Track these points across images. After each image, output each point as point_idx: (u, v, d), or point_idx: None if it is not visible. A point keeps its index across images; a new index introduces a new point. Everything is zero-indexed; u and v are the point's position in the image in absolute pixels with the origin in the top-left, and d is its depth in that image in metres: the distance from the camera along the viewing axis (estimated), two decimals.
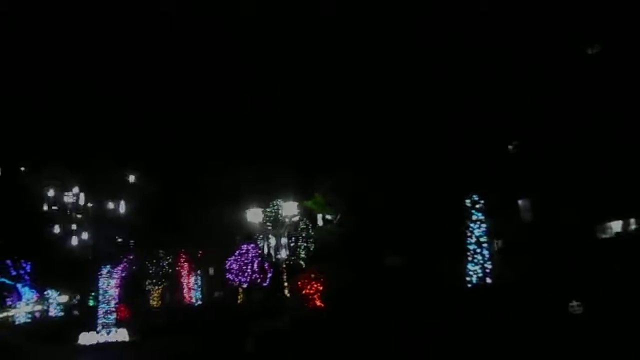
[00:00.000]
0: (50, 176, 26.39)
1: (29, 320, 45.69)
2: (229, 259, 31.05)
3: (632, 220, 19.02)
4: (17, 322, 48.19)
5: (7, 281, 45.36)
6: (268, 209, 22.14)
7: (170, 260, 34.89)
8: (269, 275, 31.01)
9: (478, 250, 16.73)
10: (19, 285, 45.94)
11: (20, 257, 43.53)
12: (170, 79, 23.90)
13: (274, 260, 27.41)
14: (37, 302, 47.09)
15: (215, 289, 36.85)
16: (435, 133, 17.31)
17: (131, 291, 32.65)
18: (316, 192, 19.85)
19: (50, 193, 26.70)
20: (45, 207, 27.76)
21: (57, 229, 29.57)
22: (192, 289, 34.69)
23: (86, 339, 23.52)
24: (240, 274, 30.52)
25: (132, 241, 27.31)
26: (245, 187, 23.42)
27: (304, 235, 24.01)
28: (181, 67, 25.33)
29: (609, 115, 17.80)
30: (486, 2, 19.20)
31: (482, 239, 16.81)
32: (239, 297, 31.83)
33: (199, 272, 34.90)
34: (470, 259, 16.83)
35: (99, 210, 25.94)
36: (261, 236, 26.21)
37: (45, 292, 45.66)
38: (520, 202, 19.88)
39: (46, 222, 30.79)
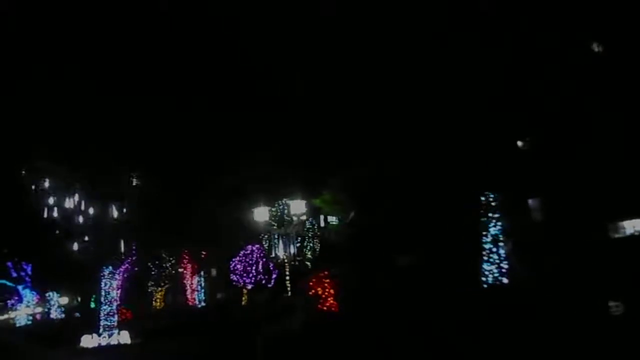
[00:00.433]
0: (50, 177, 25.96)
1: (29, 322, 45.26)
2: (234, 259, 30.57)
3: None
4: (18, 324, 47.78)
5: (8, 283, 45.00)
6: (273, 208, 21.55)
7: (173, 261, 34.39)
8: (274, 276, 30.54)
9: (494, 250, 16.23)
10: (19, 287, 45.55)
11: (21, 259, 43.19)
12: (170, 78, 23.40)
13: (279, 260, 26.90)
14: (38, 304, 46.66)
15: (219, 290, 36.37)
16: (448, 129, 16.79)
17: (133, 293, 32.17)
18: (325, 191, 19.30)
19: (51, 193, 26.30)
20: (46, 208, 27.38)
21: (58, 230, 29.20)
22: (195, 290, 34.19)
23: (88, 341, 23.06)
24: (244, 274, 30.02)
25: (134, 242, 26.88)
26: (251, 186, 22.92)
27: (310, 235, 23.49)
28: (180, 66, 24.89)
29: (618, 114, 17.40)
30: (487, 2, 18.84)
31: (498, 238, 16.31)
32: (243, 298, 31.34)
33: (202, 273, 34.39)
34: (486, 258, 16.33)
35: (100, 210, 25.53)
36: (266, 236, 25.70)
37: (46, 294, 45.22)
38: (530, 201, 19.39)
39: (47, 223, 30.41)
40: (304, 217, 19.33)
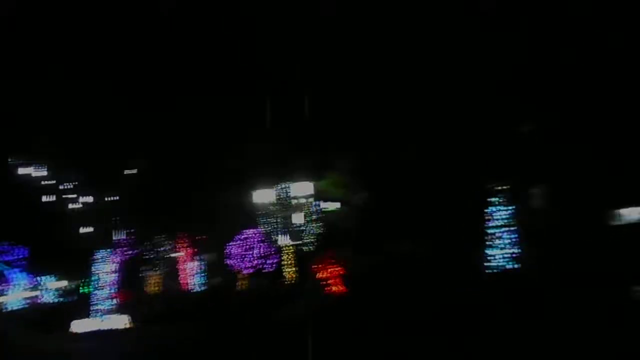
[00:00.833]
0: (44, 157, 25.18)
1: (22, 306, 44.60)
2: (231, 243, 29.98)
3: None
4: (10, 309, 47.12)
5: (1, 266, 44.23)
6: (276, 190, 20.77)
7: (169, 245, 33.71)
8: (274, 260, 29.99)
9: (500, 235, 15.75)
10: (12, 271, 44.82)
11: (14, 242, 42.43)
12: (169, 63, 22.67)
13: (279, 244, 26.31)
14: (30, 288, 45.99)
15: (216, 274, 35.82)
16: (456, 114, 16.23)
17: (129, 277, 31.48)
18: (330, 173, 18.65)
19: (45, 174, 25.54)
20: (40, 190, 26.64)
21: (52, 212, 28.50)
22: (192, 274, 33.57)
23: (82, 326, 22.54)
24: (242, 259, 29.46)
25: (130, 226, 26.26)
26: (253, 167, 22.24)
27: (313, 218, 22.84)
28: (180, 51, 24.16)
29: (620, 103, 16.99)
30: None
31: (504, 224, 15.83)
32: (242, 283, 30.81)
33: (199, 257, 33.76)
34: (491, 243, 15.85)
35: (95, 193, 24.87)
36: (267, 219, 25.08)
37: (40, 278, 44.55)
38: (532, 189, 18.93)
39: (40, 205, 29.69)
40: (308, 200, 18.66)
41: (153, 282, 34.09)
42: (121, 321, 23.05)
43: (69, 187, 23.93)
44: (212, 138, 23.55)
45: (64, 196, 24.34)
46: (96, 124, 22.11)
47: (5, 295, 49.71)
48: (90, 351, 16.98)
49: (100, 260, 23.56)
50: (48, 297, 44.10)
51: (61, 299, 43.23)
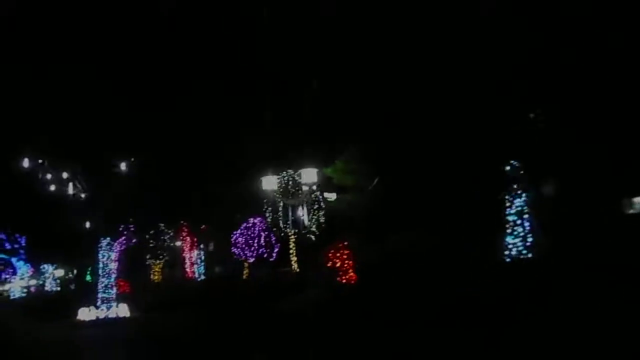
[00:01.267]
0: (44, 143, 24.76)
1: (24, 294, 44.48)
2: (235, 232, 29.75)
3: None
4: (12, 297, 47.08)
5: (1, 255, 44.01)
6: (280, 176, 20.34)
7: (171, 233, 33.48)
8: (276, 249, 29.76)
9: (519, 222, 15.37)
10: (13, 260, 44.59)
11: (15, 230, 42.20)
12: (173, 50, 22.23)
13: (282, 233, 26.00)
14: (32, 277, 45.85)
15: (217, 263, 35.65)
16: (471, 96, 15.77)
17: (131, 265, 31.24)
18: (337, 159, 18.22)
19: (44, 160, 25.12)
20: (40, 176, 26.26)
21: (52, 200, 28.13)
22: (194, 263, 33.38)
23: (85, 314, 22.27)
24: (246, 248, 29.24)
25: (132, 213, 25.90)
26: (257, 155, 21.84)
27: (316, 207, 22.49)
28: (184, 40, 23.71)
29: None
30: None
31: (523, 210, 15.42)
32: (245, 272, 30.61)
33: (201, 246, 33.54)
34: (509, 231, 15.48)
35: (97, 179, 24.48)
36: (270, 208, 24.74)
37: (41, 267, 44.41)
38: (548, 176, 18.54)
39: (41, 192, 29.31)
40: (314, 187, 18.27)
41: (156, 271, 33.93)
42: (123, 310, 22.76)
43: (68, 173, 23.50)
44: (215, 124, 23.13)
45: (63, 183, 23.91)
46: (99, 110, 21.69)
47: (8, 283, 49.69)
48: (92, 340, 16.69)
49: (103, 248, 23.20)
50: (49, 286, 44.05)
51: (62, 288, 43.20)
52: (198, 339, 13.77)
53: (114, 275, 23.54)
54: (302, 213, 21.22)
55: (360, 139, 17.43)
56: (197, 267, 33.49)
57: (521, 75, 16.71)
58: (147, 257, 33.22)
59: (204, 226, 33.55)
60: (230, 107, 22.55)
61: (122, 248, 24.51)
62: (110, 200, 23.32)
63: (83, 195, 24.08)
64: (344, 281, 15.02)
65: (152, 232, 32.05)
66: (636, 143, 16.94)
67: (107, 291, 23.09)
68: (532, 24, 16.91)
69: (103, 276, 23.21)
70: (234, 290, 23.68)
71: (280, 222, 24.61)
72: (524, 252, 15.25)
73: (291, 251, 25.94)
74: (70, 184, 23.32)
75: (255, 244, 29.28)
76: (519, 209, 15.50)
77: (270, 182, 16.44)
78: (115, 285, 23.71)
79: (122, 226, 24.35)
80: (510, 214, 15.58)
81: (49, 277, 44.31)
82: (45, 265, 43.83)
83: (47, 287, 44.10)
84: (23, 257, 43.80)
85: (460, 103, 15.79)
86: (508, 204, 15.60)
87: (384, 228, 15.78)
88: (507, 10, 16.82)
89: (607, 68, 16.88)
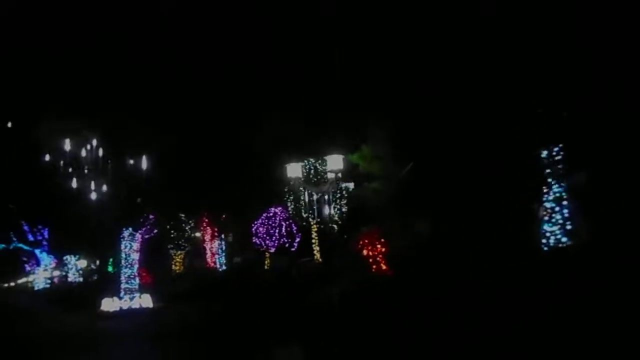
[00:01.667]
0: (66, 131, 24.59)
1: (47, 285, 44.96)
2: (256, 222, 29.44)
3: None
4: (36, 288, 47.64)
5: (25, 247, 44.45)
6: (304, 163, 19.76)
7: (192, 224, 33.30)
8: (297, 239, 29.40)
9: (557, 209, 14.64)
10: (37, 251, 45.04)
11: (38, 222, 42.54)
12: (196, 28, 21.74)
13: (304, 222, 25.53)
14: (55, 268, 46.29)
15: (237, 254, 35.44)
16: (504, 78, 14.96)
17: (152, 256, 31.18)
18: (363, 145, 17.62)
19: (67, 152, 24.98)
20: (62, 166, 26.16)
21: (74, 191, 28.06)
22: (215, 253, 33.19)
23: (108, 305, 22.18)
24: (267, 238, 28.92)
25: (153, 204, 25.70)
26: (278, 141, 21.33)
27: (338, 195, 21.91)
28: (206, 17, 23.20)
29: None
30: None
31: (561, 196, 14.68)
32: (266, 262, 30.31)
33: (222, 236, 33.32)
34: (547, 218, 14.76)
35: (119, 169, 24.29)
36: (291, 197, 24.27)
37: (64, 258, 44.75)
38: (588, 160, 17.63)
39: (63, 183, 29.28)
40: (338, 174, 17.69)
41: (177, 261, 33.85)
42: (146, 301, 22.63)
43: (90, 159, 23.34)
44: (235, 110, 22.62)
45: (85, 170, 23.77)
46: (121, 87, 21.36)
47: (32, 274, 50.27)
48: (115, 330, 16.52)
49: (125, 238, 23.05)
50: (72, 277, 44.40)
51: (84, 278, 43.49)
52: (224, 331, 13.43)
53: (136, 266, 23.42)
54: (326, 201, 20.66)
55: (388, 124, 16.76)
56: (218, 258, 33.30)
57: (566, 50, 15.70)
58: (169, 247, 33.12)
59: (224, 216, 33.29)
60: (249, 92, 22.05)
61: (144, 238, 24.36)
62: (131, 191, 23.09)
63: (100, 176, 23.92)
64: (376, 271, 14.50)
65: (173, 222, 31.90)
66: None
67: (130, 282, 22.98)
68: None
69: (125, 267, 23.09)
70: (258, 281, 23.38)
71: (302, 211, 24.11)
72: (563, 240, 14.54)
73: (313, 241, 25.49)
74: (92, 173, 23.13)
75: (277, 234, 28.96)
76: (558, 195, 14.77)
77: (294, 170, 15.90)
78: (138, 276, 23.59)
79: (143, 216, 24.20)
80: (548, 201, 14.86)
81: (71, 268, 44.63)
82: (68, 257, 44.13)
83: (70, 278, 44.45)
84: (46, 248, 44.21)
85: (495, 81, 14.99)
86: (546, 190, 14.86)
87: (414, 216, 15.15)
88: None
89: None
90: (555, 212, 14.63)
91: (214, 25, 21.52)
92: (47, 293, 39.16)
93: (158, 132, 24.45)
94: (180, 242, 33.13)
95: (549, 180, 14.72)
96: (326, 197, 19.92)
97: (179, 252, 33.63)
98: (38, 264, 47.32)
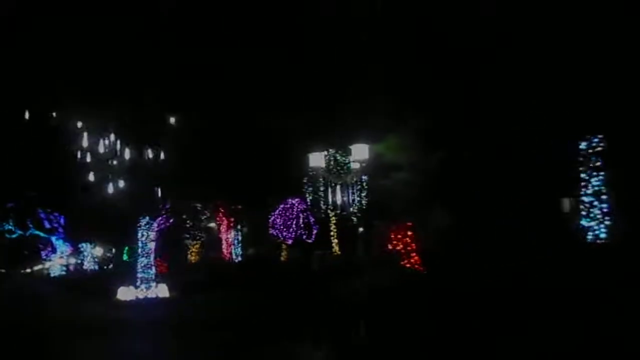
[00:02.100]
0: (83, 120, 24.40)
1: (63, 273, 45.10)
2: (273, 213, 29.05)
3: None
4: (52, 275, 47.88)
5: (41, 234, 44.63)
6: (328, 153, 19.19)
7: (208, 214, 33.00)
8: (314, 231, 28.97)
9: (595, 204, 13.97)
10: (53, 238, 45.20)
11: (54, 209, 42.66)
12: (215, 10, 21.21)
13: (322, 214, 25.05)
14: (71, 255, 46.42)
15: (252, 245, 35.13)
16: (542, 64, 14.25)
17: (168, 246, 30.98)
18: (390, 134, 17.03)
19: (84, 139, 24.82)
20: (79, 155, 26.01)
21: (91, 178, 27.92)
22: (231, 244, 32.89)
23: (125, 294, 21.97)
24: (284, 229, 28.51)
25: (169, 192, 25.44)
26: (296, 130, 20.82)
27: (359, 186, 21.33)
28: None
29: None
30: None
31: (600, 190, 14.00)
32: (283, 253, 29.94)
33: (239, 227, 32.99)
34: (585, 213, 14.10)
35: (136, 157, 24.07)
36: (310, 188, 23.78)
37: (80, 245, 44.83)
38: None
39: (80, 171, 29.16)
40: (364, 165, 17.07)
41: (193, 251, 33.62)
42: (162, 290, 22.37)
43: (107, 147, 23.11)
44: (256, 98, 22.10)
45: (102, 158, 23.57)
46: (139, 77, 21.00)
47: (49, 261, 50.59)
48: (132, 319, 16.23)
49: (142, 227, 22.79)
50: (87, 264, 44.51)
51: (100, 267, 43.57)
52: (244, 323, 13.02)
53: (152, 255, 23.17)
54: (348, 192, 20.12)
55: (417, 113, 16.12)
56: (234, 248, 32.99)
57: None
58: (185, 237, 32.87)
59: (240, 206, 32.95)
60: (271, 78, 21.51)
61: (160, 227, 24.09)
62: (148, 179, 22.82)
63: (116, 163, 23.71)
64: (407, 265, 13.95)
65: (189, 211, 31.61)
66: None
67: (146, 271, 22.74)
68: None
69: (142, 255, 22.86)
70: (276, 273, 22.99)
71: (322, 202, 23.61)
72: (602, 236, 13.86)
73: (332, 233, 25.00)
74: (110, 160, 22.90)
75: (294, 225, 28.55)
76: (596, 189, 14.08)
77: (317, 159, 15.34)
78: (154, 265, 23.33)
79: (160, 205, 23.96)
80: (586, 195, 14.17)
81: (87, 256, 44.71)
82: (84, 244, 44.19)
83: (86, 266, 44.53)
84: (62, 236, 44.34)
85: (532, 69, 14.29)
86: (584, 184, 14.17)
87: (443, 208, 14.54)
88: None
89: None
90: (594, 207, 13.95)
91: (236, 9, 20.98)
92: (63, 280, 39.17)
93: (176, 121, 24.11)
94: (196, 232, 32.86)
95: (587, 173, 14.01)
96: (350, 187, 19.35)
97: (194, 243, 33.37)
98: (54, 251, 47.53)
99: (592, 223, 13.99)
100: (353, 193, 21.45)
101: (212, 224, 34.11)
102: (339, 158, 19.41)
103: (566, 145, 14.17)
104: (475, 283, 11.07)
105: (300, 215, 28.62)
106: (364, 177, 20.75)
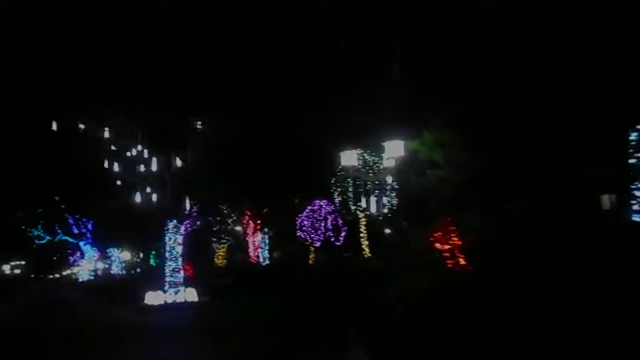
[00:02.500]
0: (111, 127, 24.34)
1: (91, 277, 45.48)
2: (300, 215, 28.57)
3: None
4: (80, 280, 48.32)
5: (69, 239, 45.08)
6: (363, 150, 18.54)
7: (234, 217, 32.71)
8: (343, 233, 28.39)
9: None
10: (81, 243, 45.59)
11: (82, 214, 43.02)
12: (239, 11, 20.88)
13: (350, 215, 24.43)
14: (99, 260, 46.79)
15: (277, 248, 34.74)
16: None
17: (194, 249, 30.75)
18: (425, 130, 16.34)
19: (112, 145, 24.77)
20: (107, 159, 25.99)
21: (119, 183, 27.87)
22: (258, 247, 32.50)
23: (153, 298, 21.67)
24: (312, 231, 27.99)
25: (196, 196, 25.15)
26: (324, 129, 20.25)
27: (392, 185, 20.60)
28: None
29: None
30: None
31: None
32: (310, 256, 29.41)
33: (265, 230, 32.60)
34: (637, 208, 13.18)
35: (163, 162, 23.83)
36: (339, 188, 23.19)
37: (107, 250, 45.12)
38: None
39: (108, 177, 29.17)
40: (399, 162, 16.40)
41: (219, 254, 33.36)
42: (191, 294, 22.01)
43: (135, 153, 22.94)
44: (285, 94, 21.57)
45: (130, 164, 23.42)
46: (166, 83, 20.77)
47: (77, 266, 51.03)
48: (163, 324, 15.86)
49: (170, 230, 22.51)
50: (115, 269, 44.81)
51: (127, 271, 43.79)
52: (276, 329, 12.48)
53: (180, 259, 22.86)
54: (380, 192, 19.43)
55: (454, 108, 15.40)
56: (262, 251, 32.60)
57: None
58: (212, 240, 32.62)
59: (266, 209, 32.57)
60: (297, 76, 21.04)
61: (187, 231, 23.80)
62: (177, 180, 22.53)
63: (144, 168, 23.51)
64: (453, 267, 13.22)
65: (215, 215, 31.37)
66: None
67: (174, 275, 22.43)
68: None
69: (170, 259, 22.56)
70: (305, 277, 22.44)
71: (351, 203, 22.99)
72: None
73: (362, 235, 24.36)
74: (137, 165, 22.71)
75: (322, 227, 28.02)
76: None
77: (350, 158, 14.70)
78: (182, 269, 23.02)
79: (187, 208, 23.65)
80: (638, 188, 13.27)
81: (114, 261, 44.97)
82: (111, 249, 44.46)
83: (113, 271, 44.80)
84: (90, 241, 44.67)
85: (579, 54, 13.43)
86: (635, 176, 13.27)
87: (486, 204, 13.77)
88: None
89: None
90: None
91: (262, 10, 20.60)
92: (91, 285, 39.43)
93: (202, 124, 23.81)
94: (222, 236, 32.59)
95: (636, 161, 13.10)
96: (381, 187, 18.68)
97: (221, 246, 33.11)
98: (82, 256, 47.97)
99: None
100: (385, 192, 20.72)
101: (238, 227, 33.84)
102: (369, 157, 18.73)
103: (614, 138, 13.29)
104: (530, 282, 10.32)
105: (329, 217, 28.08)
106: (398, 176, 19.99)
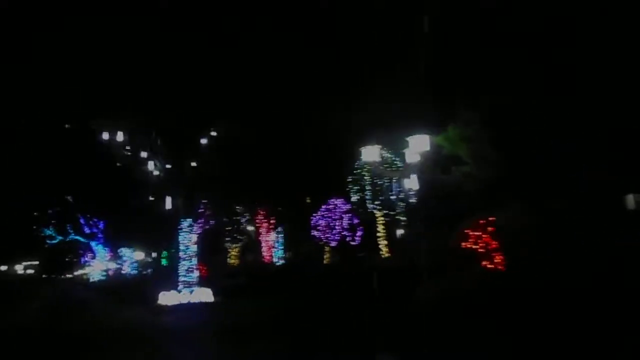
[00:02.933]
0: (124, 127, 23.96)
1: (103, 277, 45.26)
2: (315, 215, 28.04)
3: None
4: (92, 280, 48.17)
5: (81, 239, 44.93)
6: (385, 145, 17.94)
7: (248, 217, 32.26)
8: (359, 232, 27.81)
9: None
10: (93, 244, 45.41)
11: (94, 215, 42.87)
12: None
13: (368, 214, 23.85)
14: (111, 260, 46.56)
15: (290, 248, 34.24)
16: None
17: (208, 249, 30.33)
18: (450, 125, 15.75)
19: (125, 145, 24.38)
20: (119, 161, 25.63)
21: (132, 182, 27.48)
22: (272, 247, 32.00)
23: (167, 299, 21.25)
24: (328, 231, 27.45)
25: (210, 195, 24.71)
26: (340, 126, 19.73)
27: (411, 183, 19.94)
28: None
29: None
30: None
31: None
32: (326, 256, 28.86)
33: (279, 229, 32.10)
34: None
35: (176, 161, 23.41)
36: (356, 187, 22.64)
37: (119, 250, 44.89)
38: None
39: (121, 176, 28.81)
40: (424, 157, 15.76)
41: (233, 254, 32.93)
42: (206, 295, 21.56)
43: (147, 153, 22.52)
44: (301, 93, 21.12)
45: (142, 164, 22.98)
46: (179, 81, 20.37)
47: (88, 266, 50.88)
48: (179, 325, 15.41)
49: (184, 229, 22.08)
50: (127, 269, 44.54)
51: (140, 271, 43.50)
52: (294, 331, 11.98)
53: (194, 259, 22.43)
54: (400, 189, 18.84)
55: (480, 102, 14.81)
56: (276, 251, 32.10)
57: None
58: (225, 240, 32.19)
59: (280, 209, 32.08)
60: (310, 69, 20.56)
61: (201, 230, 23.38)
62: (191, 179, 22.10)
63: (160, 175, 23.07)
64: (489, 267, 12.61)
65: (229, 214, 30.95)
66: None
67: (188, 275, 22.01)
68: None
69: (184, 259, 22.13)
70: (324, 277, 21.89)
71: (368, 201, 22.42)
72: None
73: (379, 234, 23.78)
74: (150, 164, 22.26)
75: (338, 227, 27.46)
76: None
77: (371, 153, 14.12)
78: (195, 269, 22.58)
79: (201, 207, 23.23)
80: None
81: (126, 261, 44.69)
82: (123, 249, 44.20)
83: (125, 271, 44.52)
84: (101, 241, 44.48)
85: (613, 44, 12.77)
86: None
87: (523, 202, 13.14)
88: None
89: None
90: None
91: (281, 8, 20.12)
92: (103, 285, 39.17)
93: (216, 125, 23.38)
94: (236, 235, 32.15)
95: None
96: (403, 183, 18.06)
97: (234, 246, 32.67)
98: (94, 256, 47.80)
99: None
100: (406, 189, 20.05)
101: (251, 227, 33.38)
102: (389, 154, 18.14)
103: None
104: (573, 283, 9.72)
105: (344, 216, 27.53)
106: (423, 172, 19.32)
